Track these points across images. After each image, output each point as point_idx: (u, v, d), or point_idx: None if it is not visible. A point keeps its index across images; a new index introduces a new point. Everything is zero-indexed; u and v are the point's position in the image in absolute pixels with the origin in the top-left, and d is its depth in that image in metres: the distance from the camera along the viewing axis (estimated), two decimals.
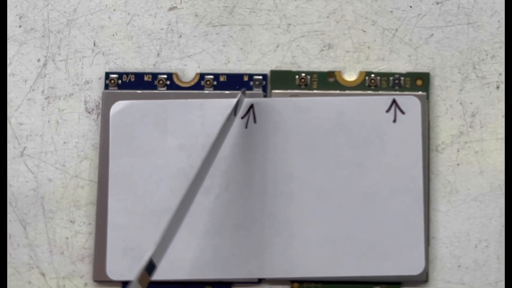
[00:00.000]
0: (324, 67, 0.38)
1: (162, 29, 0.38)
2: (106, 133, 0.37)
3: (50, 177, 0.38)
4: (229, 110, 0.36)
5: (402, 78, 0.38)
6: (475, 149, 0.37)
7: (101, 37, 0.38)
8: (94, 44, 0.38)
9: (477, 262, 0.37)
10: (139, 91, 0.38)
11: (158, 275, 0.35)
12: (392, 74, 0.38)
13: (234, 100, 0.36)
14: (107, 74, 0.38)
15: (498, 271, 0.37)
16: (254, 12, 0.38)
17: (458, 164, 0.37)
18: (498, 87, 0.38)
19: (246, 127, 0.37)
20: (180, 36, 0.38)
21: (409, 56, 0.38)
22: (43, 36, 0.38)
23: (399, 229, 0.36)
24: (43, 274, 0.37)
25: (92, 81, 0.38)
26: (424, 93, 0.38)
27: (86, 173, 0.38)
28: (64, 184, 0.38)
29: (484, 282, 0.37)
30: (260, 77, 0.38)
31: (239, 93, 0.37)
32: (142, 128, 0.37)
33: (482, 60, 0.38)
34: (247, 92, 0.37)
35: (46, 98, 0.38)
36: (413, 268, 0.36)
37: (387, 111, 0.37)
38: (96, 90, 0.38)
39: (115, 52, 0.38)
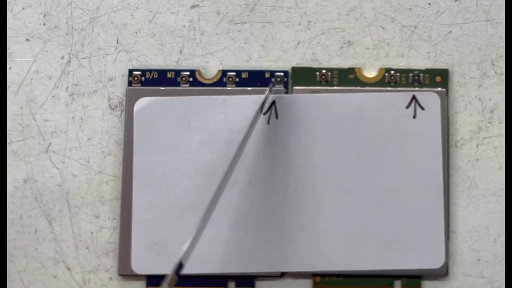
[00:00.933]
0: (344, 63, 0.39)
1: (184, 26, 0.39)
2: (129, 129, 0.38)
3: (75, 173, 0.38)
4: (257, 106, 0.37)
5: (422, 75, 0.38)
6: (494, 145, 0.38)
7: (124, 35, 0.39)
8: (117, 42, 0.39)
9: (496, 256, 0.37)
10: (162, 88, 0.38)
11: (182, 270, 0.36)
12: (412, 71, 0.38)
13: (262, 97, 0.37)
14: (130, 71, 0.38)
15: None
16: (275, 9, 0.39)
17: (477, 160, 0.38)
18: None
19: (268, 123, 0.37)
20: (202, 33, 0.39)
21: (428, 52, 0.39)
22: (66, 33, 0.39)
23: (420, 223, 0.37)
24: (68, 269, 0.38)
25: (115, 78, 0.39)
26: (444, 89, 0.38)
27: (110, 169, 0.38)
28: (89, 179, 0.38)
29: (503, 275, 0.37)
30: (282, 73, 0.38)
31: (266, 89, 0.37)
32: (166, 124, 0.37)
33: (501, 56, 0.38)
34: (264, 88, 0.38)
35: (70, 95, 0.39)
36: (434, 262, 0.36)
37: (407, 107, 0.37)
38: (120, 87, 0.39)
39: (138, 50, 0.39)
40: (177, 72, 0.38)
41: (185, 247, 0.32)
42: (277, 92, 0.38)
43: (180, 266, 0.32)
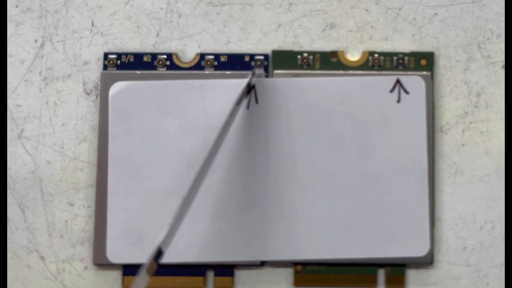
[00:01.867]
0: (327, 47, 0.38)
1: (161, 8, 0.38)
2: (105, 115, 0.37)
3: (48, 160, 0.37)
4: (236, 90, 0.36)
5: (406, 58, 0.37)
6: (480, 130, 0.37)
7: (99, 17, 0.38)
8: (92, 24, 0.38)
9: (483, 244, 0.36)
10: (138, 72, 0.37)
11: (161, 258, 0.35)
12: (396, 54, 0.37)
13: (245, 81, 0.36)
14: (106, 55, 0.37)
15: (504, 253, 0.36)
16: None
17: (463, 145, 0.37)
18: (503, 67, 0.37)
19: (248, 107, 0.36)
20: (180, 16, 0.38)
21: (413, 35, 0.38)
22: (40, 16, 0.38)
23: (404, 210, 0.36)
24: (42, 258, 0.37)
25: (90, 62, 0.38)
26: (429, 73, 0.37)
27: (85, 155, 0.37)
28: (63, 166, 0.37)
29: (490, 263, 0.36)
30: (262, 57, 0.37)
31: (246, 78, 0.36)
32: (142, 110, 0.36)
33: (487, 39, 0.37)
34: (248, 72, 0.37)
35: (43, 80, 0.37)
36: (418, 250, 0.36)
37: (391, 91, 0.37)
38: (95, 71, 0.37)
39: (114, 33, 0.38)
40: (154, 56, 0.37)
41: (163, 233, 0.31)
42: (257, 76, 0.37)
43: (159, 253, 0.31)
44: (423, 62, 0.37)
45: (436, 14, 0.38)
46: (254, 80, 0.36)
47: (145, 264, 0.30)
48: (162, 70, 0.37)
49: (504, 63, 0.37)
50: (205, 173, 0.33)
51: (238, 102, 0.35)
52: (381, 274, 0.36)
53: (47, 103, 0.37)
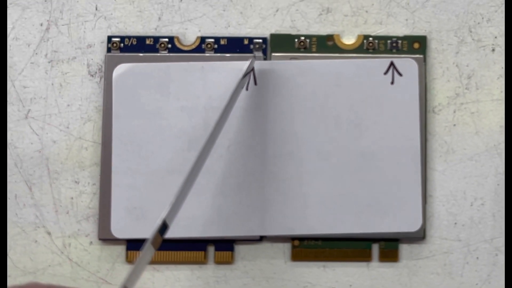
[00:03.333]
0: (323, 31, 0.39)
1: None
2: (109, 96, 0.38)
3: (54, 139, 0.38)
4: (235, 72, 0.37)
5: (400, 41, 0.39)
6: (471, 110, 0.38)
7: (103, 2, 0.39)
8: (96, 9, 0.39)
9: (473, 220, 0.38)
10: (141, 54, 0.38)
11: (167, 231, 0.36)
12: (390, 38, 0.39)
13: (246, 64, 0.37)
14: (109, 38, 0.38)
15: (494, 228, 0.38)
16: None
17: (454, 125, 0.38)
18: (493, 50, 0.38)
19: (246, 89, 0.38)
20: (181, 0, 0.39)
21: (406, 20, 0.39)
22: (45, 1, 0.39)
23: (397, 187, 0.37)
24: (49, 233, 0.38)
25: (94, 44, 0.39)
26: (421, 56, 0.38)
27: (90, 134, 0.38)
28: (69, 145, 0.38)
29: (480, 239, 0.38)
30: (260, 40, 0.38)
31: (249, 58, 0.37)
32: (145, 90, 0.37)
33: (478, 23, 0.39)
34: (249, 55, 0.38)
35: (49, 62, 0.39)
36: (411, 225, 0.37)
37: (385, 73, 0.38)
38: (99, 54, 0.39)
39: (117, 17, 0.39)
40: (156, 39, 0.38)
41: (168, 208, 0.32)
42: (255, 58, 0.38)
43: (164, 227, 0.32)
44: (416, 45, 0.39)
45: None
46: (250, 62, 0.37)
47: (151, 237, 0.31)
48: (164, 53, 0.38)
49: (493, 47, 0.39)
50: (208, 150, 0.34)
51: (242, 85, 0.36)
52: (375, 248, 0.37)
53: (52, 84, 0.38)
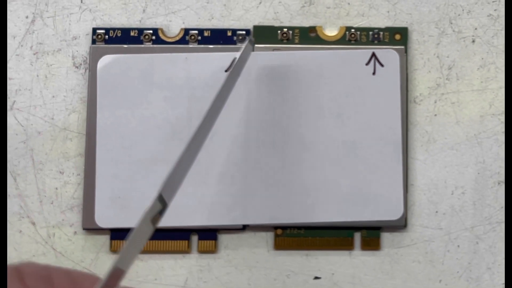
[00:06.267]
0: (306, 22, 0.39)
1: None
2: (93, 87, 0.38)
3: (39, 130, 0.39)
4: (219, 63, 0.37)
5: (381, 33, 0.39)
6: (452, 100, 0.39)
7: None
8: (81, 1, 0.39)
9: (454, 208, 0.38)
10: (125, 46, 0.39)
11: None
12: (372, 29, 0.39)
13: (241, 47, 0.37)
14: (94, 30, 0.39)
15: (474, 217, 0.38)
16: None
17: (435, 115, 0.39)
18: (473, 41, 0.39)
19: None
20: None
21: (388, 11, 0.39)
22: None
23: (379, 176, 0.37)
24: (33, 223, 0.38)
25: (79, 36, 0.39)
26: (403, 47, 0.39)
27: (74, 125, 0.39)
28: (53, 136, 0.38)
29: (461, 227, 0.38)
30: (243, 32, 0.39)
31: (244, 43, 0.37)
32: (129, 81, 0.38)
33: (458, 15, 0.39)
34: (230, 46, 0.38)
35: (34, 54, 0.39)
36: (392, 213, 0.37)
37: (367, 64, 0.38)
38: (84, 46, 0.39)
39: (102, 9, 0.39)
40: (140, 31, 0.39)
41: (164, 181, 0.30)
42: (238, 50, 0.38)
43: (163, 203, 0.30)
44: (398, 36, 0.39)
45: None
46: (233, 53, 0.38)
47: (148, 211, 0.29)
48: (148, 45, 0.39)
49: (473, 38, 0.39)
50: (206, 131, 0.33)
51: (234, 72, 0.36)
52: (357, 237, 0.38)
53: (37, 76, 0.39)
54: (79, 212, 0.38)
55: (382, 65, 0.38)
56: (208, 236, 0.38)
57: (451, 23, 0.39)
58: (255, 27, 0.39)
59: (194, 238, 0.38)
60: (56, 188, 0.38)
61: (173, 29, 0.39)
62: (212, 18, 0.39)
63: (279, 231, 0.38)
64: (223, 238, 0.38)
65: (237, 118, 0.38)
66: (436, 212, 0.38)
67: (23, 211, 0.38)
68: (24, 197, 0.38)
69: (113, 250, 0.38)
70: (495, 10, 0.39)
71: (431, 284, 0.38)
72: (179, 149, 0.37)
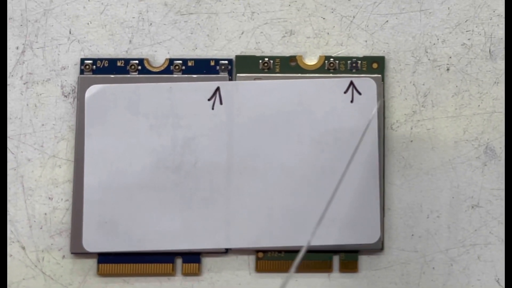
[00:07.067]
0: (286, 52, 0.41)
1: (133, 17, 0.41)
2: (81, 115, 0.39)
3: (29, 157, 0.40)
4: (202, 92, 0.38)
5: (359, 62, 0.40)
6: (427, 127, 0.40)
7: (76, 26, 0.41)
8: (70, 32, 0.41)
9: (429, 231, 0.39)
10: (112, 76, 0.40)
11: (130, 247, 0.38)
12: (350, 58, 0.40)
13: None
14: (82, 60, 0.40)
15: (448, 239, 0.39)
16: (220, 1, 0.41)
17: (411, 141, 0.40)
18: (448, 69, 0.40)
19: (212, 108, 0.39)
20: (151, 24, 0.41)
21: (366, 41, 0.41)
22: (21, 25, 0.41)
23: (357, 201, 0.39)
24: (23, 248, 0.39)
25: (68, 67, 0.40)
26: (380, 76, 0.40)
27: (63, 153, 0.40)
28: (43, 163, 0.40)
29: (436, 249, 0.39)
30: (226, 62, 0.40)
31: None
32: (116, 110, 0.39)
33: (434, 44, 0.41)
34: (213, 76, 0.40)
35: (24, 83, 0.40)
36: (370, 237, 0.38)
37: (345, 92, 0.40)
38: (72, 75, 0.40)
39: (90, 40, 0.41)
40: (127, 61, 0.40)
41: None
42: (221, 79, 0.40)
43: None
44: (375, 65, 0.40)
45: (387, 21, 0.41)
46: (215, 83, 0.39)
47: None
48: (134, 74, 0.40)
49: (448, 66, 0.40)
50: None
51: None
52: (336, 260, 0.39)
53: (27, 105, 0.40)
54: (67, 236, 0.39)
55: (360, 93, 0.39)
56: (192, 259, 0.39)
57: (427, 52, 0.40)
58: (237, 56, 0.40)
59: (179, 261, 0.39)
60: (45, 214, 0.39)
61: (158, 59, 0.41)
62: (196, 48, 0.41)
63: (261, 254, 0.39)
64: (206, 261, 0.39)
65: (220, 145, 0.39)
66: (412, 235, 0.39)
67: (13, 236, 0.39)
68: (14, 222, 0.39)
69: (100, 273, 0.39)
70: (468, 39, 0.40)
71: None
72: (164, 176, 0.38)
